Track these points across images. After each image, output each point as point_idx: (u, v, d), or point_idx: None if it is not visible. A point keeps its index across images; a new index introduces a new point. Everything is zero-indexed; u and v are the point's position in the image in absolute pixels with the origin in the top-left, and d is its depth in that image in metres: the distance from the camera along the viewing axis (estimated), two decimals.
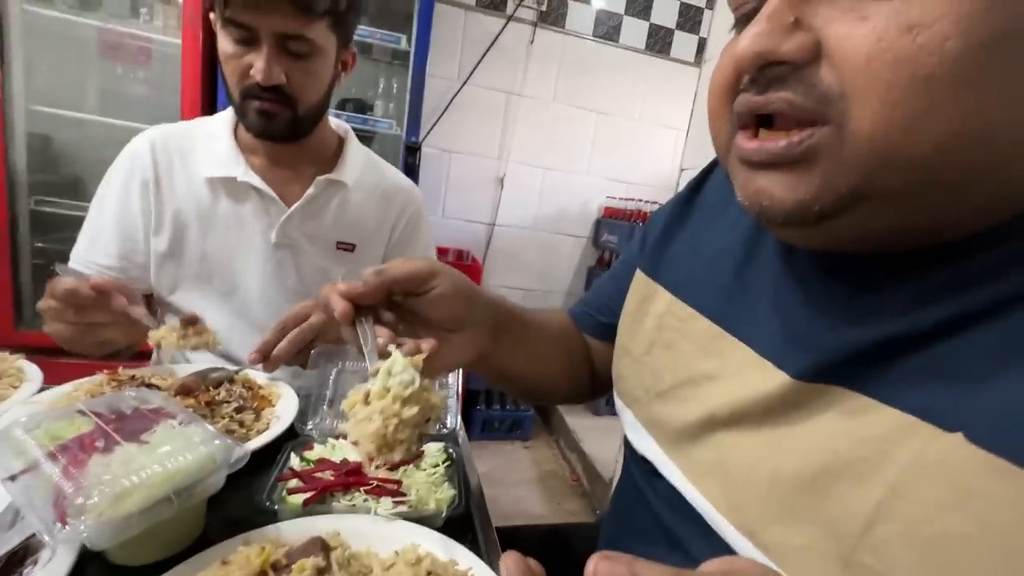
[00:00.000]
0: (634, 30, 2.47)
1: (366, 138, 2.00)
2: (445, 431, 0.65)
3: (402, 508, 0.50)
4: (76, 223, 0.87)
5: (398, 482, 0.53)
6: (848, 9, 0.25)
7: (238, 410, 0.64)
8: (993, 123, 0.24)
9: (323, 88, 0.82)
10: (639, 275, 0.55)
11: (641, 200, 2.42)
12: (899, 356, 0.29)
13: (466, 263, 2.27)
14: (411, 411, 0.39)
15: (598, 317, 0.63)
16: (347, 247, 0.92)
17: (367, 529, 0.46)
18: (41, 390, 0.62)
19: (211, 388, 0.67)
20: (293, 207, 0.86)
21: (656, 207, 2.47)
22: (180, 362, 0.86)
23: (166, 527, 0.41)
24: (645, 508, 0.47)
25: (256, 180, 0.84)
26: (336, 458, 0.57)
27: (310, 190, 0.87)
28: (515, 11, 2.27)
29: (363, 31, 1.78)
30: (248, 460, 0.45)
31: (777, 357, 0.36)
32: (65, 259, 0.83)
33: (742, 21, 0.32)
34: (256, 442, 0.57)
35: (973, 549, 0.24)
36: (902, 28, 0.23)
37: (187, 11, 1.60)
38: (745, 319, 0.40)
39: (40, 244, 1.72)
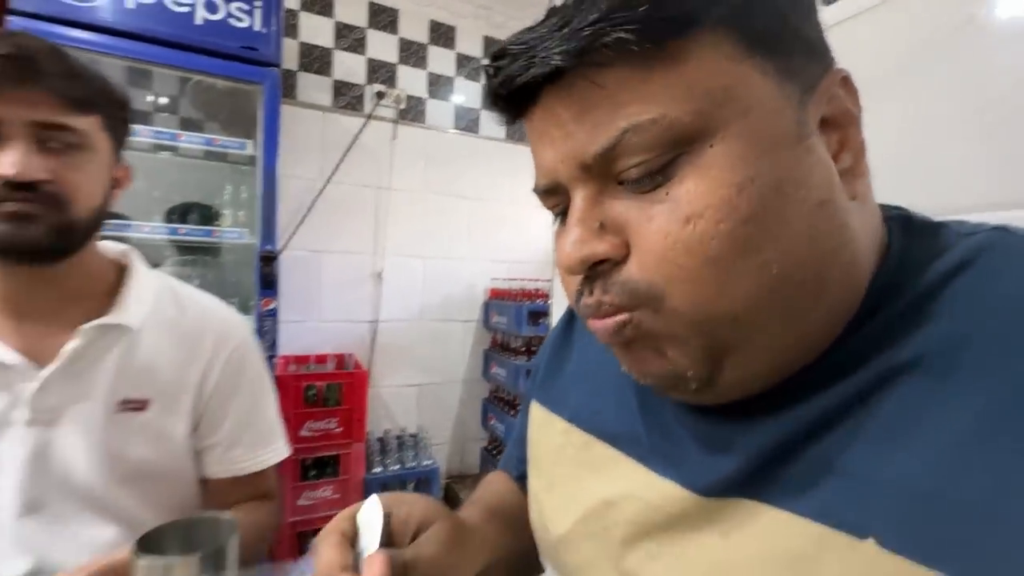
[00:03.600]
0: (493, 122, 2.61)
1: (213, 250, 1.81)
2: None
3: None
4: None
5: None
6: (638, 210, 0.29)
7: None
8: (788, 263, 0.28)
9: (97, 194, 0.66)
10: (535, 407, 0.53)
11: (524, 279, 2.45)
12: (794, 459, 0.30)
13: (348, 370, 2.07)
14: None
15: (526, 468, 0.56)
16: (136, 405, 0.69)
17: None
18: None
19: None
20: (49, 370, 0.63)
21: (540, 284, 2.55)
22: None
23: None
24: None
25: None
26: None
27: (74, 343, 0.64)
28: (374, 110, 2.29)
29: (202, 138, 1.66)
30: None
31: (680, 475, 0.35)
32: None
33: (558, 215, 0.35)
34: None
35: None
36: (681, 222, 0.28)
37: None
38: (642, 439, 0.39)
39: None
